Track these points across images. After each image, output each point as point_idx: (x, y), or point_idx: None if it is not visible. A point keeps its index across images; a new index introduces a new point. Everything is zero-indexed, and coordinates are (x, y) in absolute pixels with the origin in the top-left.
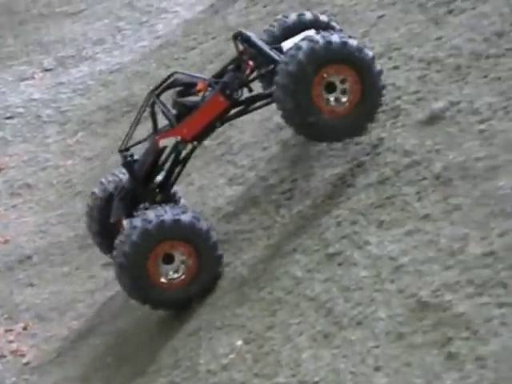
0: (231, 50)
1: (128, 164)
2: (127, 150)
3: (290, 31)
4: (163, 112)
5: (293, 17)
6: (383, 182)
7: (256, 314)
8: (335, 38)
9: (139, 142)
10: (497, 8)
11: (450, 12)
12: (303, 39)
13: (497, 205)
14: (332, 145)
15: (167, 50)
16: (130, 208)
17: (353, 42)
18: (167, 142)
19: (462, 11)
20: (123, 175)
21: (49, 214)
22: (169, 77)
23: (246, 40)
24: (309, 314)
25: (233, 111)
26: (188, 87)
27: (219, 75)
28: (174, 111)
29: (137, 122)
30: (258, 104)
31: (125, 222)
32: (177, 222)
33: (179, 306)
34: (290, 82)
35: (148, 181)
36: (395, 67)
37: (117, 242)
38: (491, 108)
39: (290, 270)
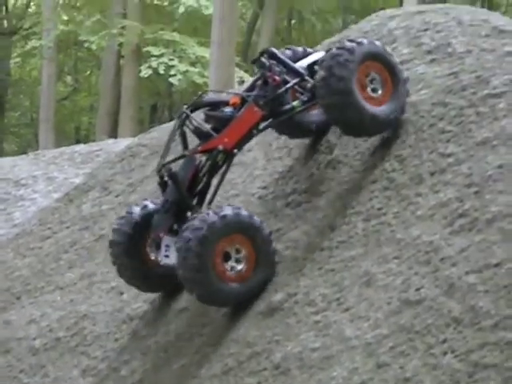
0: (86, 239)
1: (173, 175)
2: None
3: None
4: (196, 127)
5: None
6: (227, 372)
7: None
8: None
9: (175, 160)
10: (330, 202)
11: (288, 205)
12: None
13: None
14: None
15: (23, 239)
16: (174, 220)
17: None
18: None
19: (298, 204)
20: (148, 203)
21: None
22: (200, 96)
23: (273, 56)
24: None
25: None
26: (217, 105)
27: (249, 90)
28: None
29: (172, 140)
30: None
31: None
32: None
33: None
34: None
35: (191, 192)
36: None
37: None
38: (325, 299)
39: None
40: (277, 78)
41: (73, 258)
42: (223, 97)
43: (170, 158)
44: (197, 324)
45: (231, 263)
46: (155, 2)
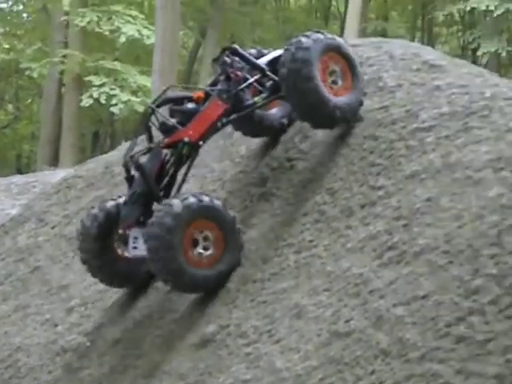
0: (21, 271)
1: (141, 167)
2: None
3: None
4: (162, 123)
5: None
6: None
7: None
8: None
9: (141, 152)
10: (262, 234)
11: None
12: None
13: None
14: None
15: None
16: (141, 212)
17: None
18: None
19: None
20: (110, 202)
21: None
22: (164, 91)
23: (235, 53)
24: None
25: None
26: (181, 101)
27: (212, 85)
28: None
29: (138, 135)
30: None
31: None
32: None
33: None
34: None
35: (158, 184)
36: None
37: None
38: (257, 331)
39: None
40: (239, 73)
41: (7, 289)
42: (187, 93)
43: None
44: (131, 355)
45: (200, 249)
46: (96, 31)
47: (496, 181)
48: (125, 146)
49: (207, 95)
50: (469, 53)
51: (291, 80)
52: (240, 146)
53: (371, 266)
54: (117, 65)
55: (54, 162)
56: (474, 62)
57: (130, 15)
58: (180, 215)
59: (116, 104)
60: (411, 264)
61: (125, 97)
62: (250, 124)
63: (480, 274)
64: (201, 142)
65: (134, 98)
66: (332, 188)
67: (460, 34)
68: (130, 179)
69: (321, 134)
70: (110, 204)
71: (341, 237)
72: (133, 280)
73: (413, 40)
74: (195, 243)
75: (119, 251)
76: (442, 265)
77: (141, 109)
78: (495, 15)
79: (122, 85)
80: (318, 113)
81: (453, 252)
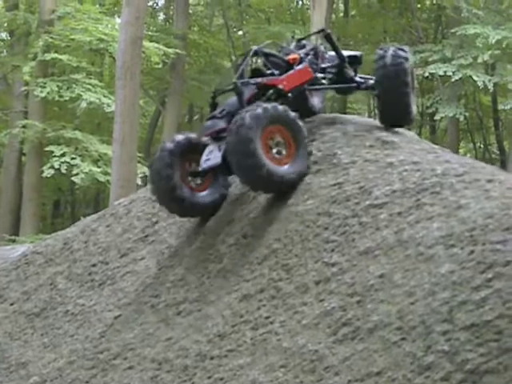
0: None
1: (240, 90)
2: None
3: None
4: (256, 68)
5: None
6: None
7: None
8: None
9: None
10: (219, 310)
11: (179, 313)
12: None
13: None
14: None
15: None
16: (224, 128)
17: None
18: None
19: (189, 313)
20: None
21: None
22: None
23: (328, 38)
24: None
25: None
26: (273, 56)
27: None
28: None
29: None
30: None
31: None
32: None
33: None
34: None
35: None
36: (130, 367)
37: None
38: None
39: None
40: (326, 55)
41: None
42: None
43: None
44: None
45: (276, 149)
46: (56, 99)
47: (447, 257)
48: (83, 221)
49: (301, 60)
50: (427, 118)
51: (385, 82)
52: (197, 222)
53: (326, 343)
54: (77, 134)
55: (15, 231)
56: (433, 126)
57: (89, 84)
58: (259, 115)
59: (77, 174)
60: (365, 340)
61: (86, 167)
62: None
63: (432, 350)
64: (289, 94)
65: (94, 168)
66: (287, 264)
67: (418, 98)
68: (213, 105)
69: (275, 212)
70: (182, 137)
71: (296, 313)
72: (203, 211)
73: (373, 107)
74: (270, 146)
75: (192, 184)
76: (396, 341)
77: (102, 178)
78: (453, 80)
79: (83, 154)
80: None
81: (405, 328)
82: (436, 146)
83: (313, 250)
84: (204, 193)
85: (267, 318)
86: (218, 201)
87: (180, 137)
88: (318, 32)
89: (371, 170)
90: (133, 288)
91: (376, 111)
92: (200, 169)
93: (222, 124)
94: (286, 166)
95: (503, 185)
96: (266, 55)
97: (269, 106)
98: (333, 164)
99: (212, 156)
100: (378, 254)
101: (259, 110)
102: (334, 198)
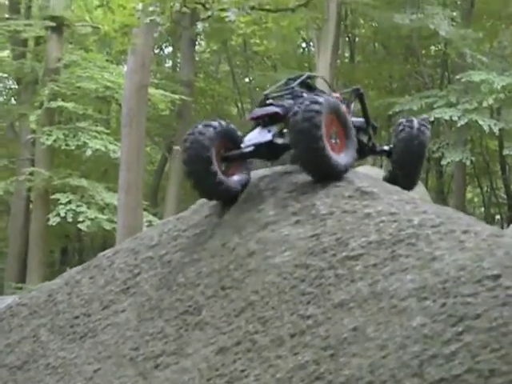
0: None
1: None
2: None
3: None
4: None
5: None
6: None
7: None
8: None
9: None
10: (196, 363)
11: (157, 367)
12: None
13: None
14: None
15: None
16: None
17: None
18: None
19: (166, 366)
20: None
21: None
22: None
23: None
24: None
25: None
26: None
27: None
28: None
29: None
30: None
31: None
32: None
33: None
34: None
35: None
36: None
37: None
38: None
39: None
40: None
41: None
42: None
43: None
44: None
45: (334, 137)
46: (63, 147)
47: (419, 310)
48: (69, 272)
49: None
50: (433, 163)
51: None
52: (177, 273)
53: None
54: (83, 181)
55: (22, 278)
56: (440, 171)
57: (95, 131)
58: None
59: (83, 221)
60: None
61: (92, 214)
62: None
63: None
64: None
65: (100, 216)
66: (264, 317)
67: None
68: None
69: (254, 263)
70: (216, 123)
71: (271, 367)
72: (233, 195)
73: None
74: (330, 134)
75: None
76: None
77: (108, 226)
78: (459, 125)
79: (89, 201)
80: None
81: (376, 382)
82: (415, 196)
83: (289, 303)
84: (235, 177)
85: (242, 371)
86: (245, 186)
87: (214, 122)
88: (353, 90)
89: (348, 221)
90: (113, 341)
91: (386, 172)
92: (244, 147)
93: (275, 109)
94: (342, 155)
95: (478, 236)
96: (310, 88)
97: (325, 96)
98: (311, 215)
99: (260, 136)
100: (352, 307)
101: (321, 99)
102: (311, 250)
